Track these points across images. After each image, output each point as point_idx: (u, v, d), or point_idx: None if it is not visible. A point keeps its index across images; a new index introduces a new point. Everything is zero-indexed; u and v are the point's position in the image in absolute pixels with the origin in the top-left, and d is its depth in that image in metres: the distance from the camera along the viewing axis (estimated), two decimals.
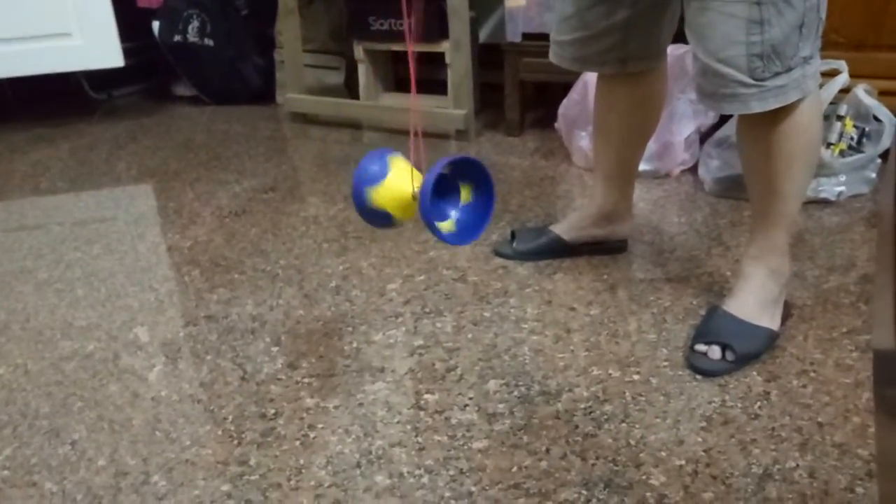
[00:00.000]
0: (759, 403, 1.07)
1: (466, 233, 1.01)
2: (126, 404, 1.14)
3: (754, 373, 1.14)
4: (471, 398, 1.11)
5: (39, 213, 1.92)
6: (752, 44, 1.01)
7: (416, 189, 0.95)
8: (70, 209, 1.94)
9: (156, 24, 2.72)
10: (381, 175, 0.96)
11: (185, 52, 2.73)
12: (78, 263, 1.62)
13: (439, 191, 0.98)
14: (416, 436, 1.04)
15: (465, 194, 1.01)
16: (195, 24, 2.70)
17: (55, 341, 1.32)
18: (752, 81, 1.03)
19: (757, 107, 1.05)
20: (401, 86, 2.59)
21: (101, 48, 2.49)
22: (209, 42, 2.72)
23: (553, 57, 1.34)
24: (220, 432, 1.07)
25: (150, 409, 1.13)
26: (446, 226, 1.00)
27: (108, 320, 1.38)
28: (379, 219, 0.99)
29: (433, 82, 2.44)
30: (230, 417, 1.10)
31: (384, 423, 1.07)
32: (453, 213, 1.01)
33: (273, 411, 1.11)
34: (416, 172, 0.97)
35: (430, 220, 0.93)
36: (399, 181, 0.96)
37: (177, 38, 2.70)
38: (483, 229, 1.01)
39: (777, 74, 1.03)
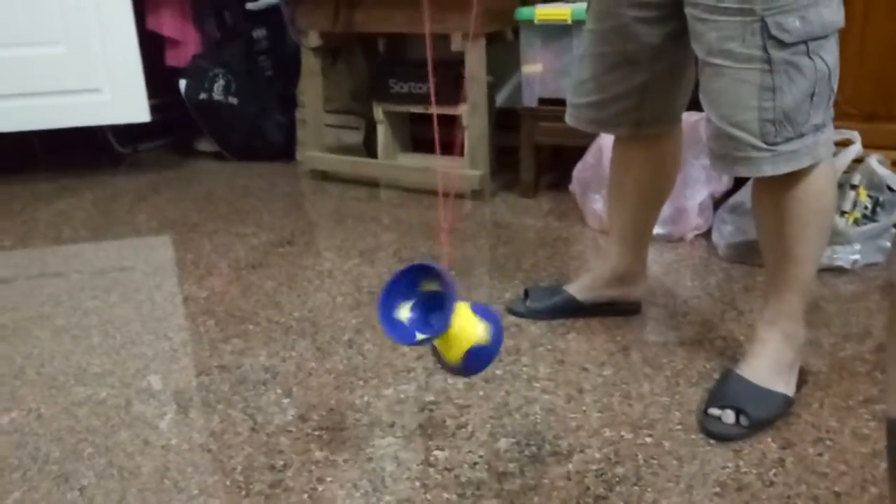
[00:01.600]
0: (774, 470, 1.05)
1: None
2: (136, 452, 1.14)
3: (769, 439, 1.12)
4: (481, 456, 1.10)
5: (60, 261, 1.96)
6: (765, 109, 1.04)
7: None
8: (90, 258, 1.97)
9: (182, 82, 2.81)
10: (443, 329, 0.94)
11: (210, 109, 2.80)
12: (95, 311, 1.63)
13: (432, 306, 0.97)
14: (425, 493, 1.03)
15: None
16: (221, 82, 2.79)
17: (69, 387, 1.33)
18: (765, 146, 1.05)
19: (769, 170, 1.07)
20: (418, 146, 2.65)
21: (129, 104, 2.56)
22: (233, 100, 2.79)
23: (569, 119, 1.37)
24: (228, 483, 1.06)
25: (160, 458, 1.12)
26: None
27: (122, 367, 1.39)
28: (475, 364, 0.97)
29: (452, 144, 2.49)
30: (239, 468, 1.09)
31: (393, 479, 1.06)
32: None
33: (282, 463, 1.10)
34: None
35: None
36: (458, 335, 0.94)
37: (202, 95, 2.78)
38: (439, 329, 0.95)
39: (789, 140, 1.05)
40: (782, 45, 1.02)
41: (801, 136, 1.05)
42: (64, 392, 1.31)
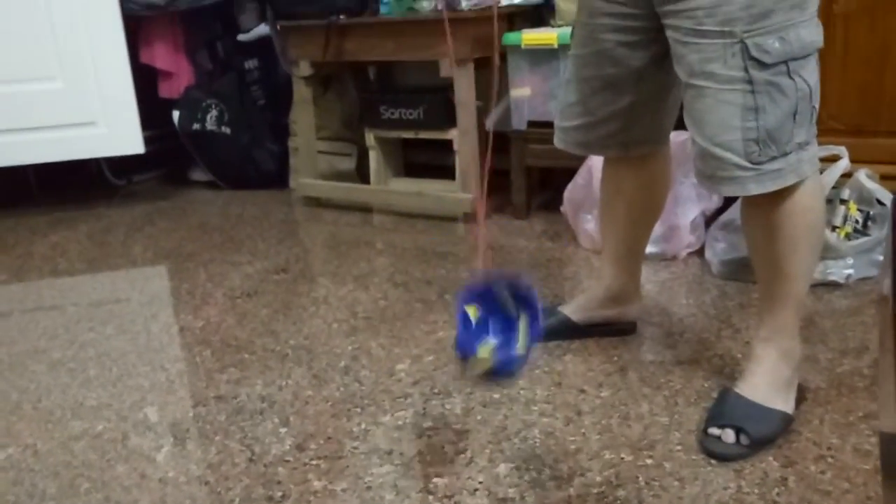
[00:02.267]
0: (776, 490, 1.05)
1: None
2: (133, 486, 1.13)
3: (770, 457, 1.12)
4: (481, 482, 1.10)
5: (56, 294, 1.95)
6: (748, 129, 1.05)
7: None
8: (86, 290, 1.97)
9: (176, 113, 2.82)
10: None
11: (203, 139, 2.82)
12: (91, 344, 1.63)
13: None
14: None
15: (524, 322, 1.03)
16: (213, 113, 2.80)
17: (65, 421, 1.32)
18: (749, 165, 1.06)
19: (754, 189, 1.08)
20: (409, 171, 2.66)
21: (124, 136, 2.58)
22: (226, 130, 2.81)
23: (558, 142, 1.38)
24: None
25: (157, 491, 1.11)
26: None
27: (119, 400, 1.38)
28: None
29: (441, 168, 2.51)
30: (237, 500, 1.08)
31: None
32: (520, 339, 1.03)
33: (280, 494, 1.09)
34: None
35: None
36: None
37: (195, 126, 2.80)
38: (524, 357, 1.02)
39: (773, 159, 1.06)
40: (763, 65, 1.03)
41: (785, 154, 1.07)
42: (60, 426, 1.30)
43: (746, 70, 1.04)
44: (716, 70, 1.05)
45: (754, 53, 1.03)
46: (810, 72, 1.07)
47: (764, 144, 1.05)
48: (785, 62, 1.04)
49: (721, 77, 1.05)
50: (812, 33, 1.06)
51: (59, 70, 2.49)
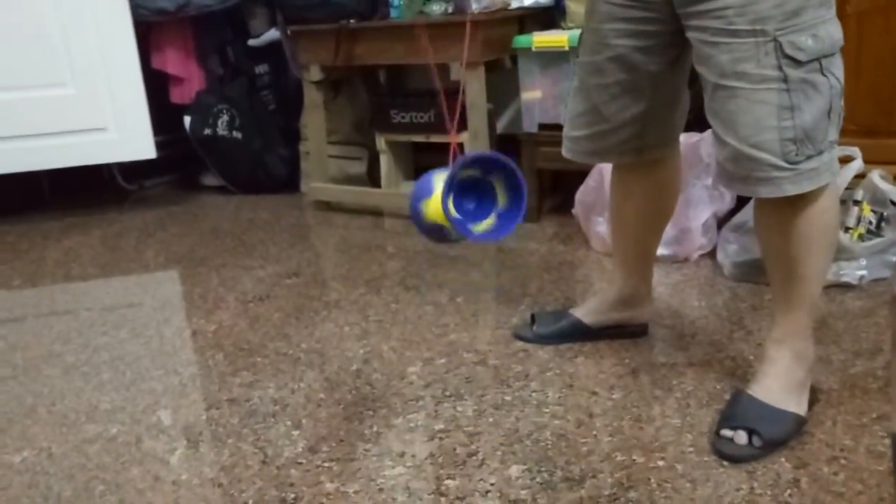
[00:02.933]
0: (789, 491, 1.04)
1: (498, 230, 1.07)
2: (147, 488, 1.14)
3: (783, 459, 1.11)
4: (492, 484, 1.10)
5: (69, 299, 1.97)
6: (785, 128, 1.04)
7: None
8: (99, 295, 1.99)
9: (187, 119, 2.84)
10: (429, 191, 1.05)
11: (215, 144, 2.84)
12: (105, 348, 1.64)
13: (475, 191, 1.06)
14: None
15: (501, 196, 1.08)
16: (225, 118, 2.82)
17: (80, 424, 1.33)
18: (787, 165, 1.05)
19: (791, 189, 1.07)
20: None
21: (135, 142, 2.60)
22: (237, 135, 2.83)
23: (567, 152, 1.36)
24: None
25: (171, 493, 1.12)
26: (483, 226, 1.06)
27: (133, 403, 1.39)
28: (435, 232, 1.06)
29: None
30: (250, 502, 1.09)
31: None
32: (492, 216, 1.07)
33: (293, 496, 1.10)
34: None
35: (452, 220, 1.02)
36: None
37: (207, 131, 2.82)
38: (512, 226, 1.08)
39: (809, 158, 1.05)
40: (798, 63, 1.02)
41: (821, 153, 1.06)
42: (75, 430, 1.32)
43: (781, 68, 1.03)
44: (749, 70, 1.04)
45: (788, 51, 1.02)
46: (839, 68, 1.06)
47: (801, 143, 1.04)
48: (818, 59, 1.03)
49: (754, 77, 1.04)
50: (838, 30, 1.06)
51: (71, 76, 2.51)
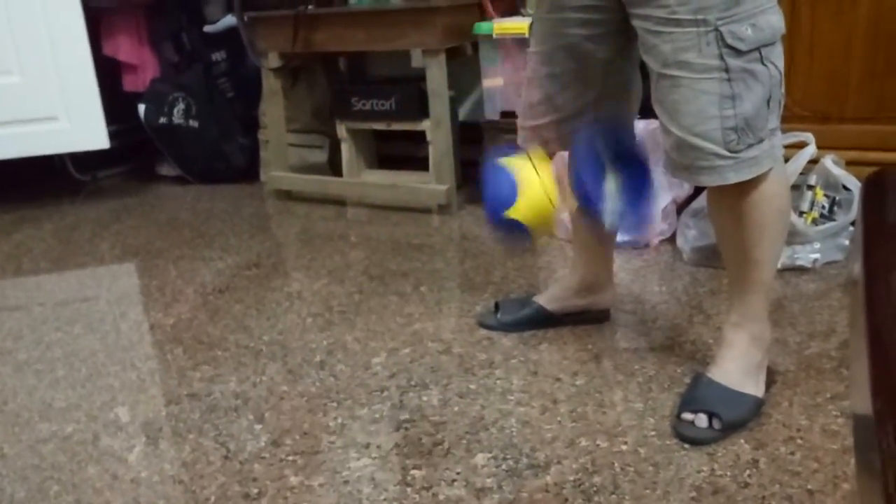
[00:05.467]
0: (748, 472, 1.06)
1: (630, 218, 0.96)
2: (105, 487, 1.11)
3: (742, 440, 1.13)
4: (458, 473, 1.10)
5: (21, 294, 1.91)
6: (726, 118, 1.05)
7: (555, 202, 0.92)
8: (52, 289, 1.93)
9: (142, 107, 2.77)
10: (513, 196, 0.91)
11: (170, 133, 2.78)
12: (59, 344, 1.60)
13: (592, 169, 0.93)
14: None
15: (615, 176, 0.96)
16: (181, 106, 2.76)
17: (33, 423, 1.30)
18: (728, 153, 1.07)
19: (733, 177, 1.08)
20: (383, 163, 2.65)
21: (88, 131, 2.53)
22: (194, 124, 2.77)
23: (522, 142, 1.36)
24: None
25: (130, 492, 1.10)
26: (609, 208, 0.94)
27: (88, 401, 1.36)
28: (516, 234, 0.93)
29: (415, 159, 2.50)
30: (212, 498, 1.07)
31: (370, 501, 1.05)
32: (610, 193, 0.95)
33: (256, 491, 1.08)
34: (548, 181, 0.93)
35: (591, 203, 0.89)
36: (537, 186, 0.92)
37: (162, 120, 2.75)
38: (645, 216, 0.96)
39: (750, 146, 1.07)
40: (738, 53, 1.04)
41: (761, 141, 1.08)
42: (28, 429, 1.28)
43: (722, 58, 1.04)
44: (691, 59, 1.05)
45: (729, 41, 1.03)
46: (778, 57, 1.08)
47: (742, 132, 1.06)
48: (758, 49, 1.04)
49: (697, 66, 1.05)
50: (779, 19, 1.07)
51: (17, 63, 2.43)
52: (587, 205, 0.90)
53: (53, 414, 1.32)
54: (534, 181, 0.92)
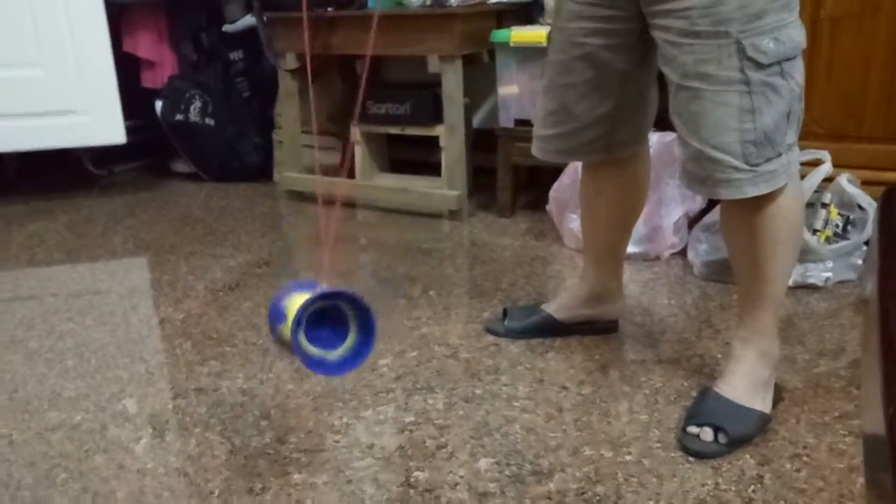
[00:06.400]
0: (752, 487, 1.06)
1: (345, 364, 1.01)
2: (111, 476, 1.12)
3: (747, 455, 1.13)
4: (461, 476, 1.10)
5: (34, 284, 1.93)
6: (746, 131, 1.05)
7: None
8: (64, 280, 1.95)
9: (158, 104, 2.79)
10: (283, 317, 0.99)
11: (186, 130, 2.79)
12: (70, 334, 1.61)
13: (330, 321, 1.00)
14: None
15: (353, 331, 1.03)
16: (197, 104, 2.78)
17: (42, 411, 1.31)
18: (746, 167, 1.07)
19: (751, 191, 1.08)
20: (395, 167, 2.66)
21: (105, 126, 2.55)
22: (210, 121, 2.79)
23: (537, 151, 1.36)
24: None
25: (136, 482, 1.10)
26: (341, 350, 1.01)
27: (97, 391, 1.37)
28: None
29: (428, 164, 2.51)
30: (216, 492, 1.08)
31: (373, 501, 1.05)
32: (339, 349, 1.01)
33: (260, 486, 1.09)
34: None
35: (303, 358, 0.96)
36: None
37: (178, 117, 2.77)
38: (359, 361, 1.02)
39: (769, 160, 1.07)
40: (759, 66, 1.04)
41: (779, 155, 1.07)
42: (37, 417, 1.29)
43: (743, 71, 1.04)
44: (711, 71, 1.05)
45: (750, 54, 1.03)
46: (799, 72, 1.08)
47: (760, 146, 1.06)
48: (779, 62, 1.04)
49: (717, 78, 1.05)
50: (800, 33, 1.07)
51: (39, 56, 2.45)
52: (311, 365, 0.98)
53: (63, 403, 1.33)
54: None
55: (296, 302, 0.98)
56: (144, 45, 2.82)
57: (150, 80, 2.88)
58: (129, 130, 2.60)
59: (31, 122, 2.49)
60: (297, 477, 1.11)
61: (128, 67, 2.74)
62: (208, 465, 1.14)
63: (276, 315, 1.00)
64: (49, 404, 1.33)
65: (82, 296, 1.84)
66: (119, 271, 2.01)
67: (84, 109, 2.52)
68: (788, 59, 1.05)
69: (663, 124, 1.37)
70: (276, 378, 1.39)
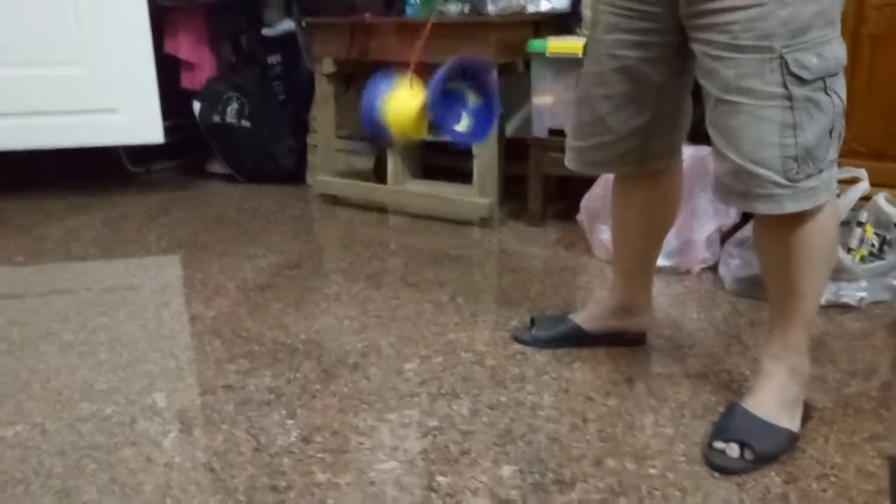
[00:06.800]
0: None
1: (477, 132, 1.12)
2: (139, 469, 1.14)
3: (773, 473, 1.11)
4: (483, 482, 1.10)
5: (69, 278, 1.97)
6: (787, 146, 1.04)
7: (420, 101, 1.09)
8: (99, 275, 1.99)
9: (197, 105, 2.85)
10: (389, 90, 1.09)
11: (223, 132, 2.84)
12: (103, 328, 1.64)
13: (447, 97, 1.10)
14: None
15: (473, 98, 1.11)
16: (234, 106, 2.83)
17: (74, 402, 1.34)
18: (787, 182, 1.06)
19: (790, 207, 1.07)
20: (427, 173, 2.67)
21: (144, 125, 2.60)
22: (246, 124, 2.83)
23: (570, 163, 1.35)
24: (230, 502, 1.06)
25: (163, 475, 1.12)
26: (460, 126, 1.10)
27: (128, 385, 1.39)
28: (379, 133, 1.10)
29: (459, 171, 2.51)
30: (241, 488, 1.09)
31: None
32: (464, 115, 1.11)
33: (284, 484, 1.10)
34: (417, 94, 1.11)
35: (440, 118, 1.09)
36: (406, 95, 1.11)
37: (216, 118, 2.82)
38: (490, 128, 1.13)
39: (809, 176, 1.06)
40: (802, 81, 1.03)
41: (820, 171, 1.06)
42: (69, 407, 1.32)
43: (785, 86, 1.03)
44: (753, 86, 1.04)
45: (794, 69, 1.02)
46: (842, 88, 1.07)
47: (802, 161, 1.05)
48: (822, 78, 1.03)
49: (759, 93, 1.04)
50: (842, 49, 1.06)
51: (82, 55, 2.51)
52: (441, 125, 1.08)
53: (94, 395, 1.36)
54: (404, 92, 1.11)
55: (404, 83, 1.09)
56: (185, 46, 2.88)
57: (188, 81, 2.94)
58: (167, 130, 2.65)
59: (72, 120, 2.55)
60: (320, 476, 1.12)
61: (167, 68, 2.80)
62: (234, 462, 1.15)
63: (377, 90, 1.10)
64: (81, 395, 1.36)
65: (116, 291, 1.88)
66: (153, 268, 2.05)
67: (124, 108, 2.58)
68: (832, 75, 1.04)
69: (698, 137, 1.36)
70: (304, 378, 1.41)
